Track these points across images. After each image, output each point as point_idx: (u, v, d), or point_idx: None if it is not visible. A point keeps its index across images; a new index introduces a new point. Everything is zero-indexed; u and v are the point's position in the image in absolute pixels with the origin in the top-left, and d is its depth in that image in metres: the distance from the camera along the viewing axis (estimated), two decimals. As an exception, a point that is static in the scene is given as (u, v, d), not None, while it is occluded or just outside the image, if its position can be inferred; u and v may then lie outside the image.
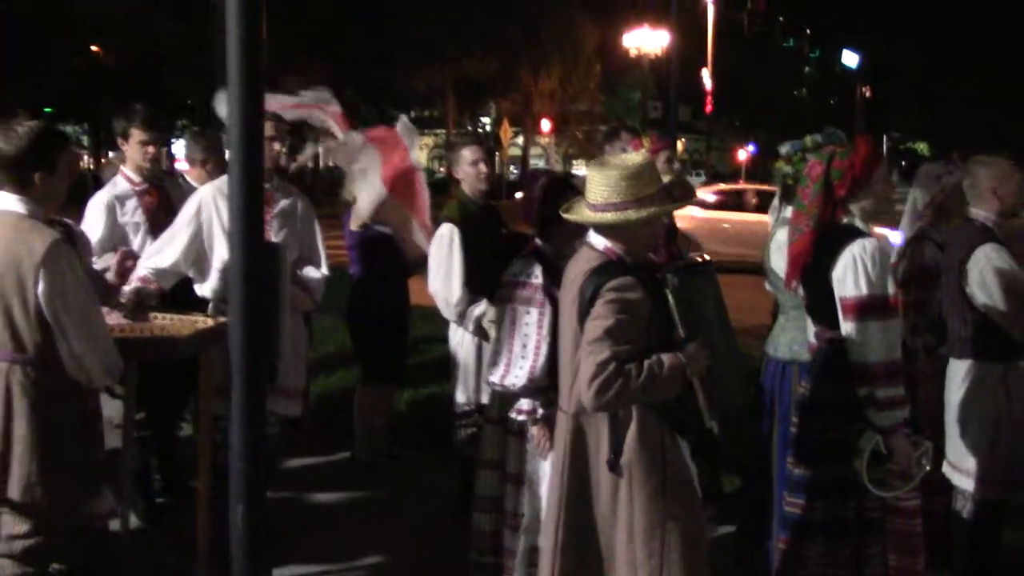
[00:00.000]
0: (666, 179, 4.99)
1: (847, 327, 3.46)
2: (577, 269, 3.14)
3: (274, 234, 4.69)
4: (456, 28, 30.29)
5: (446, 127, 41.75)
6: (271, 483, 4.80)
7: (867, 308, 3.42)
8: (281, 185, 4.86)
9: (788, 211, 3.99)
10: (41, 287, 3.31)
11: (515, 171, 45.89)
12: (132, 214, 5.04)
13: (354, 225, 5.88)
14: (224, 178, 4.75)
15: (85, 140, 41.46)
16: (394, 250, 5.88)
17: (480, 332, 4.92)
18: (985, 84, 45.34)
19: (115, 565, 4.10)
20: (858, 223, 3.55)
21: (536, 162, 46.80)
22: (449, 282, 4.89)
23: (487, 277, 4.92)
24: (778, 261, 4.09)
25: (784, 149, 4.47)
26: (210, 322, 4.24)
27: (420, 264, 5.88)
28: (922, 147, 58.83)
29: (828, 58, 51.17)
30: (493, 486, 4.05)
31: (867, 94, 49.37)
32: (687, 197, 3.65)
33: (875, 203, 3.55)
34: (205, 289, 4.75)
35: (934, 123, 51.12)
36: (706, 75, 40.86)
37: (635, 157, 3.16)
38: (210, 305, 4.72)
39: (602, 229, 3.12)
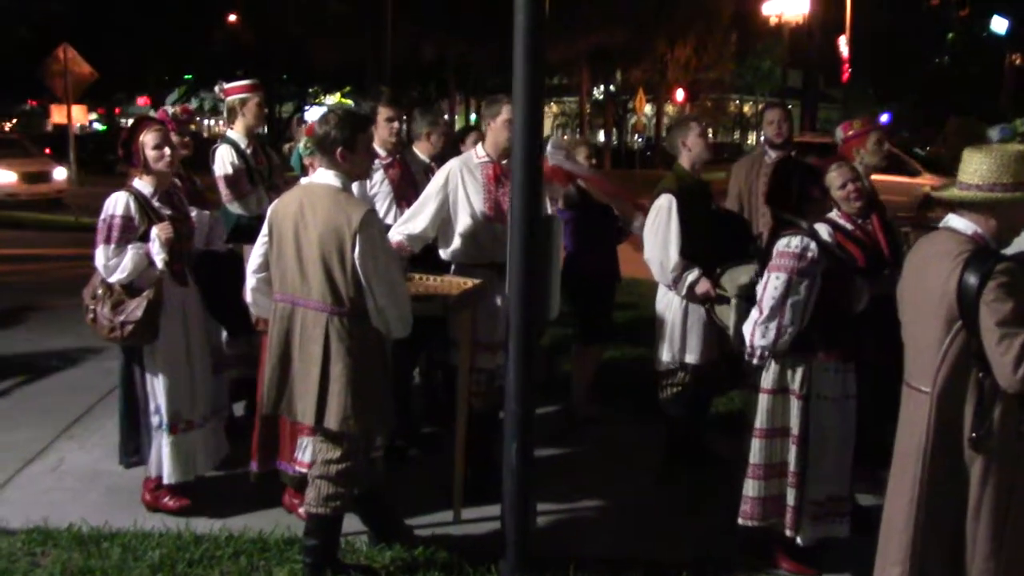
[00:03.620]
0: (874, 160, 5.32)
1: None
2: (940, 251, 3.29)
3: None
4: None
5: (579, 95, 41.94)
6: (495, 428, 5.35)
7: None
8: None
9: None
10: (357, 250, 3.87)
11: (640, 140, 45.73)
12: (380, 185, 5.60)
13: (562, 205, 6.32)
14: (469, 153, 5.31)
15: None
16: (605, 223, 6.34)
17: (692, 297, 5.32)
18: None
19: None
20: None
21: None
22: (667, 249, 5.31)
23: (700, 246, 5.35)
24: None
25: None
26: (469, 283, 4.77)
27: (626, 233, 6.35)
28: (1073, 117, 56.28)
29: (974, 24, 49.22)
30: (777, 452, 4.33)
31: (1017, 62, 47.28)
32: None
33: None
34: (447, 253, 5.27)
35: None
36: (843, 43, 39.89)
37: (1015, 145, 3.33)
38: (452, 267, 5.26)
39: (974, 212, 3.28)
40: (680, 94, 35.60)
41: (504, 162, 5.19)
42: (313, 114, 48.69)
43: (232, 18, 36.21)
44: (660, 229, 5.36)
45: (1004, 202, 3.22)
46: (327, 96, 48.33)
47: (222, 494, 5.06)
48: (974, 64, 50.57)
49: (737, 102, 56.36)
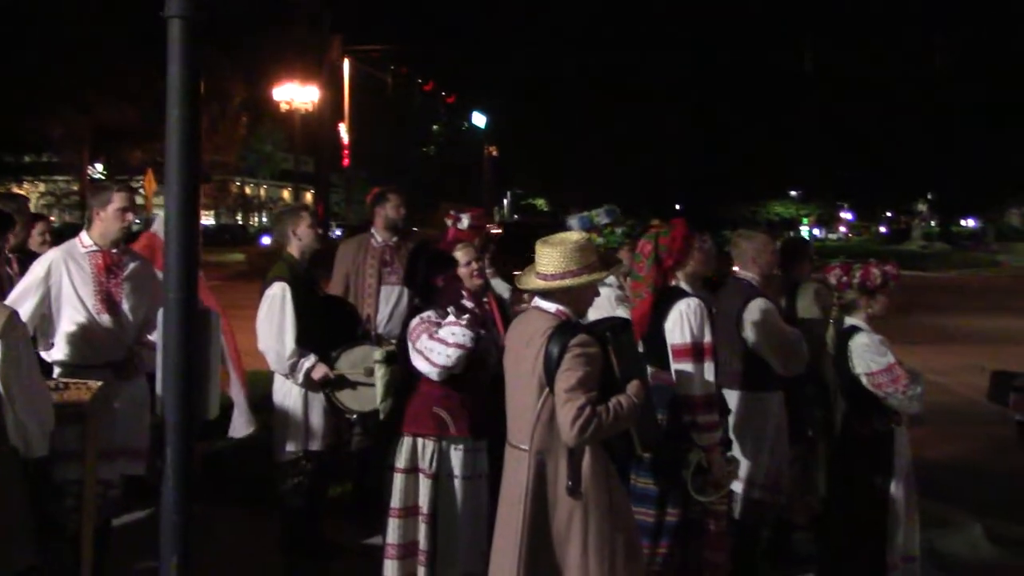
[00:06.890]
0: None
1: (675, 367, 4.40)
2: (531, 329, 3.77)
3: (125, 296, 4.84)
4: (99, 75, 28.76)
5: (79, 174, 38.97)
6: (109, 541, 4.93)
7: (690, 353, 4.40)
8: (127, 249, 5.00)
9: (609, 278, 4.93)
10: (-3, 358, 3.39)
11: (137, 221, 43.71)
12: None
13: None
14: (72, 242, 4.91)
15: None
16: None
17: (309, 383, 5.32)
18: (577, 151, 51.49)
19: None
20: (683, 285, 4.55)
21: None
22: (282, 337, 5.26)
23: (312, 332, 5.37)
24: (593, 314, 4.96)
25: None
26: (93, 385, 4.35)
27: None
28: (540, 202, 64.61)
29: (457, 118, 54.70)
30: (410, 531, 4.49)
31: (493, 153, 53.30)
32: (616, 263, 4.52)
33: (695, 268, 4.58)
34: (51, 354, 4.76)
35: (545, 183, 56.42)
36: (343, 130, 41.93)
37: (575, 235, 3.91)
38: (56, 370, 4.75)
39: (554, 294, 3.77)
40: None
41: (115, 251, 4.86)
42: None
43: None
44: (275, 318, 5.28)
45: (575, 287, 3.77)
46: None
47: None
48: (457, 153, 56.30)
49: (239, 184, 56.23)
